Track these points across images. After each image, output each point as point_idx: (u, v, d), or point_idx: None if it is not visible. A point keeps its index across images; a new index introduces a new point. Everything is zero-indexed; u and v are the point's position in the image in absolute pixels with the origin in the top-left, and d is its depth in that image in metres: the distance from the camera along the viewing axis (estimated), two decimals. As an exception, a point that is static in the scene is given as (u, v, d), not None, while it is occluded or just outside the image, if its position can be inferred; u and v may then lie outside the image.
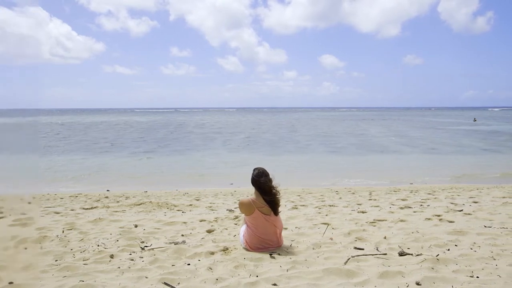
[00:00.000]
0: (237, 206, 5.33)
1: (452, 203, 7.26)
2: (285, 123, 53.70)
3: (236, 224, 5.54)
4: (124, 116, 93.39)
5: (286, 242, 4.41)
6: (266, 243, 4.06)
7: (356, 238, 4.61)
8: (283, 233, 4.88)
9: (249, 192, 9.53)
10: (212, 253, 4.01)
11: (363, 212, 6.49)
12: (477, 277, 3.06)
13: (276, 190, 4.11)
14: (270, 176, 4.16)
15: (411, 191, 9.66)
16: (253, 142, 26.11)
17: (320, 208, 7.08)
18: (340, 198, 8.80)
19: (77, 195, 9.54)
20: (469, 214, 6.00)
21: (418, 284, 2.94)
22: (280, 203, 4.22)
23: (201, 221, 5.78)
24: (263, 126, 46.31)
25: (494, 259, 3.51)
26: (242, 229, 4.28)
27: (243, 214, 4.25)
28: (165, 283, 2.98)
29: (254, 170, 4.19)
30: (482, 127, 40.58)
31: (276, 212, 4.10)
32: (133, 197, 9.28)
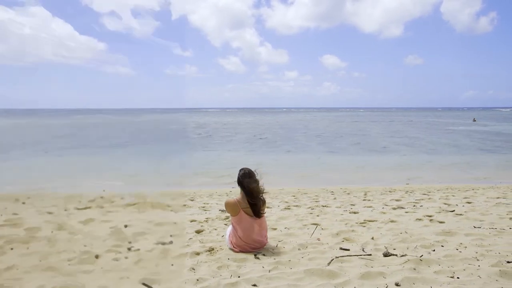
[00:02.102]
0: None
1: (445, 204, 7.25)
2: (286, 124, 53.71)
3: (226, 224, 5.55)
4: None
5: (273, 243, 4.41)
6: (251, 243, 4.06)
7: (343, 238, 4.61)
8: (272, 233, 4.90)
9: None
10: (198, 254, 4.01)
11: (355, 213, 6.50)
12: (458, 277, 3.06)
13: (261, 192, 4.11)
14: (257, 177, 4.16)
15: (406, 192, 9.65)
16: (254, 143, 26.09)
17: (312, 209, 7.09)
18: (335, 198, 8.79)
19: (72, 195, 9.55)
20: (460, 214, 5.99)
21: (397, 285, 2.94)
22: (265, 205, 4.22)
23: (191, 221, 5.80)
24: (263, 126, 46.32)
25: (478, 260, 3.50)
26: (229, 229, 4.29)
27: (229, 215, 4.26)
28: (144, 284, 2.99)
29: (240, 170, 4.19)
30: (481, 128, 40.56)
31: (259, 214, 4.09)
32: (129, 197, 9.30)
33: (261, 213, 4.13)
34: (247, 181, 4.10)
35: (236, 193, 10.02)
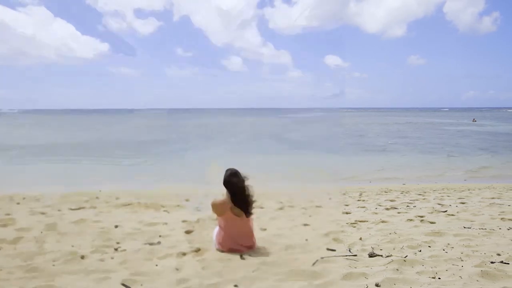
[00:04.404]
0: None
1: (439, 204, 7.24)
2: (289, 123, 53.79)
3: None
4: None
5: (261, 243, 4.41)
6: (238, 244, 4.07)
7: (332, 239, 4.60)
8: (261, 234, 4.90)
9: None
10: (184, 254, 4.01)
11: (347, 213, 6.49)
12: (439, 278, 3.05)
13: (248, 192, 4.12)
14: (243, 177, 4.17)
15: (402, 192, 9.63)
16: (251, 142, 26.10)
17: (306, 209, 7.08)
18: (330, 199, 8.79)
19: (68, 195, 9.56)
20: (452, 215, 5.98)
21: (377, 285, 2.93)
22: (253, 205, 4.22)
23: (183, 221, 5.79)
24: (262, 127, 46.42)
25: (462, 260, 3.49)
26: (216, 230, 4.30)
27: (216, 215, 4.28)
28: (123, 284, 3.00)
29: (226, 171, 4.21)
30: (480, 128, 40.56)
31: (247, 214, 4.10)
32: (124, 197, 9.30)
33: (248, 213, 4.13)
34: (234, 181, 4.11)
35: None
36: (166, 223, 5.64)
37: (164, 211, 7.14)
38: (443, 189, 10.13)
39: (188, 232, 5.10)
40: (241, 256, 3.88)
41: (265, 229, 5.23)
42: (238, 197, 4.08)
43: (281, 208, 7.28)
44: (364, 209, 6.96)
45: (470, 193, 9.00)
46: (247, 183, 4.16)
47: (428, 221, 5.52)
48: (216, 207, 4.14)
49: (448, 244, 4.15)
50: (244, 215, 4.10)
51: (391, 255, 3.75)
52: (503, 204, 6.81)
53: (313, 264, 3.57)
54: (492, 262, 3.34)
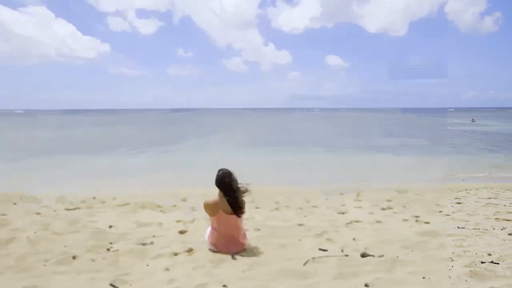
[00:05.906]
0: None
1: (435, 204, 7.23)
2: (289, 123, 53.77)
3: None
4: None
5: (254, 243, 4.41)
6: (230, 243, 4.08)
7: (326, 239, 4.60)
8: (255, 234, 4.91)
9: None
10: (176, 254, 4.02)
11: (343, 213, 6.48)
12: (428, 278, 3.05)
13: (240, 192, 4.13)
14: (235, 178, 4.18)
15: (400, 192, 9.60)
16: (252, 141, 26.06)
17: (302, 209, 7.08)
18: (327, 199, 8.76)
19: (65, 196, 9.55)
20: (447, 215, 5.98)
21: (366, 286, 2.93)
22: (245, 205, 4.22)
23: (177, 221, 5.80)
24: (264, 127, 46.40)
25: (453, 260, 3.50)
26: (208, 230, 4.31)
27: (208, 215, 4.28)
28: (112, 285, 3.00)
29: (218, 171, 4.21)
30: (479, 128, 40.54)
31: (238, 214, 4.10)
32: (121, 197, 9.29)
33: (241, 213, 4.14)
34: (227, 181, 4.12)
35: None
36: (160, 223, 5.64)
37: (160, 211, 7.14)
38: (440, 189, 10.10)
39: (182, 232, 5.10)
40: (232, 256, 3.89)
41: (259, 229, 5.22)
42: (229, 198, 4.08)
43: (277, 208, 7.27)
44: (361, 209, 6.96)
45: (467, 193, 8.98)
46: (240, 183, 4.17)
47: (423, 221, 5.51)
48: (208, 207, 4.15)
49: (441, 244, 4.15)
50: (235, 215, 4.10)
51: (383, 256, 3.75)
52: (498, 204, 6.81)
53: (304, 264, 3.58)
54: (482, 262, 3.34)
